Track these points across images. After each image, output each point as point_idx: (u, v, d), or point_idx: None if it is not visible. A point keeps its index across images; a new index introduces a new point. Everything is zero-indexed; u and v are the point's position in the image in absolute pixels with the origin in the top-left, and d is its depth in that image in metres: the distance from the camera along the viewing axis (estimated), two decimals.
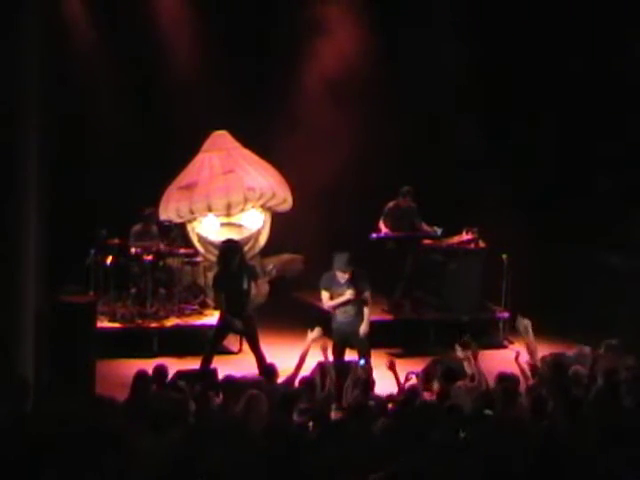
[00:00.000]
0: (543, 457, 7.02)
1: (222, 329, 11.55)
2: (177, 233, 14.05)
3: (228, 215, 14.46)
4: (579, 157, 14.93)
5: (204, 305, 13.90)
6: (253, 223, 14.65)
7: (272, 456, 6.96)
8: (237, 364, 11.98)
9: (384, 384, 10.11)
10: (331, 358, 10.64)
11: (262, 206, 14.63)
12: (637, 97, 14.38)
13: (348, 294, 11.21)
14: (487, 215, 14.42)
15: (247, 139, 14.76)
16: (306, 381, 9.60)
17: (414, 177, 14.33)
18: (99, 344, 11.29)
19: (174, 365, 11.42)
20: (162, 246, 13.68)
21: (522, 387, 9.28)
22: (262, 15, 15.03)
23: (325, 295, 11.30)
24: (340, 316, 11.27)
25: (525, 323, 10.22)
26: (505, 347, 13.64)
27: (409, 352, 13.11)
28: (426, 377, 10.94)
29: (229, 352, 12.84)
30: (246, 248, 13.49)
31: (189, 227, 14.53)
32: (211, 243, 14.32)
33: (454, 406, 8.21)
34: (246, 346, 11.87)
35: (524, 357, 10.04)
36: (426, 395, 9.80)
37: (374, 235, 13.93)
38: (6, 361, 9.40)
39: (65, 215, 13.06)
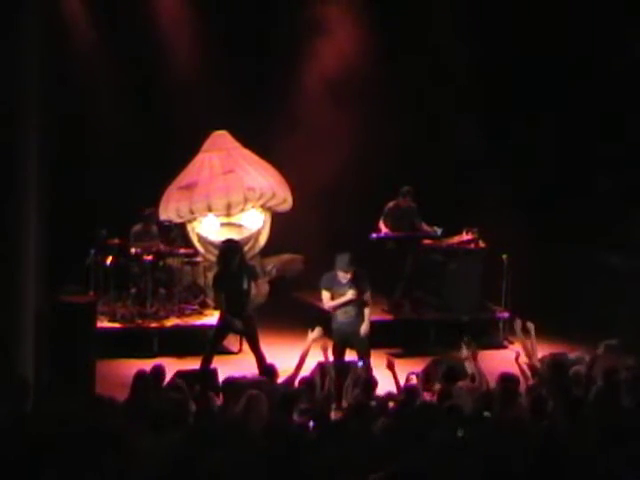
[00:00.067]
0: (543, 457, 7.02)
1: (222, 329, 11.54)
2: (177, 233, 14.05)
3: (228, 215, 14.46)
4: (579, 157, 14.94)
5: (204, 305, 13.90)
6: (253, 223, 14.66)
7: (272, 456, 6.96)
8: (237, 364, 11.97)
9: (384, 384, 10.09)
10: (331, 358, 10.64)
11: (262, 206, 14.64)
12: (637, 97, 14.39)
13: (350, 294, 11.19)
14: (487, 215, 14.42)
15: (247, 139, 14.76)
16: (306, 381, 9.60)
17: (414, 177, 14.33)
18: (99, 344, 11.29)
19: (174, 365, 11.44)
20: (162, 246, 13.68)
21: (522, 387, 9.28)
22: (262, 15, 15.03)
23: (326, 295, 11.28)
24: (340, 316, 11.25)
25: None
26: (505, 347, 13.65)
27: (409, 352, 13.11)
28: (426, 377, 10.96)
29: (229, 352, 12.84)
30: (246, 248, 13.49)
31: (189, 227, 14.53)
32: (211, 243, 14.32)
33: (454, 406, 8.21)
34: (246, 346, 11.86)
35: (524, 357, 10.04)
36: (426, 395, 9.81)
37: (374, 235, 13.93)
38: (6, 361, 9.40)
39: (65, 215, 13.06)
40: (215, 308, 12.78)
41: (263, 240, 14.76)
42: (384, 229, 14.01)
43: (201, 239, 14.47)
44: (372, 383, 9.56)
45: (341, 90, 15.10)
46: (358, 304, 11.24)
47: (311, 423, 8.04)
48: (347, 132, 14.88)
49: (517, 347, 10.35)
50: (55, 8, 13.64)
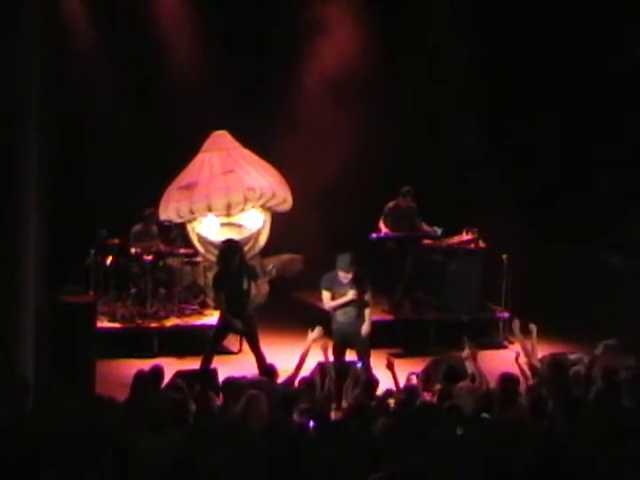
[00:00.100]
0: (543, 457, 7.02)
1: (222, 329, 11.54)
2: (177, 233, 14.05)
3: (228, 215, 14.46)
4: (579, 157, 14.94)
5: (204, 305, 13.90)
6: (253, 223, 14.66)
7: (272, 456, 6.96)
8: (237, 364, 11.98)
9: (383, 384, 10.08)
10: (331, 358, 10.63)
11: (262, 206, 14.63)
12: (637, 97, 14.38)
13: (351, 294, 11.17)
14: (487, 215, 14.42)
15: (247, 139, 14.76)
16: (306, 381, 9.60)
17: (414, 177, 14.33)
18: (99, 344, 11.29)
19: (174, 365, 11.44)
20: (162, 246, 13.68)
21: (522, 387, 9.28)
22: (262, 15, 15.03)
23: (326, 295, 11.26)
24: (341, 317, 11.24)
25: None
26: (505, 347, 13.65)
27: (409, 352, 13.10)
28: (426, 377, 10.96)
29: (229, 352, 12.84)
30: (246, 248, 13.49)
31: (189, 227, 14.53)
32: (211, 243, 14.32)
33: (454, 406, 8.21)
34: (246, 346, 11.86)
35: (524, 357, 10.04)
36: (426, 395, 9.80)
37: (374, 235, 13.93)
38: (6, 361, 9.41)
39: (65, 215, 13.06)
40: (215, 308, 12.78)
41: (263, 240, 14.75)
42: (384, 229, 14.01)
43: (201, 239, 14.47)
44: (373, 383, 9.57)
45: (341, 90, 15.11)
46: (358, 304, 11.23)
47: (311, 423, 8.04)
48: (347, 132, 14.88)
49: (517, 347, 10.34)
50: (55, 8, 13.64)
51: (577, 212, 14.57)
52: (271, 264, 14.90)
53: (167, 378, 9.57)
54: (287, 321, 13.52)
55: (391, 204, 14.08)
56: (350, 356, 11.32)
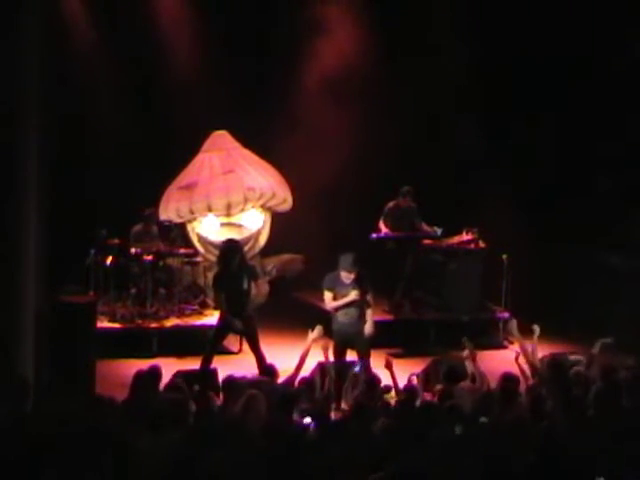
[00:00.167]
0: (543, 457, 7.02)
1: (222, 329, 11.54)
2: (177, 233, 14.05)
3: (228, 215, 14.46)
4: (579, 157, 14.93)
5: (204, 305, 13.90)
6: (253, 223, 14.66)
7: (272, 456, 6.96)
8: (237, 364, 11.97)
9: (382, 384, 10.10)
10: (332, 358, 10.63)
11: (262, 206, 14.64)
12: (637, 97, 14.38)
13: (353, 295, 11.14)
14: (487, 215, 14.42)
15: (247, 139, 14.76)
16: (306, 381, 9.59)
17: (414, 177, 14.33)
18: (99, 344, 11.29)
19: (174, 365, 11.45)
20: (162, 246, 13.68)
21: (522, 387, 9.28)
22: (262, 15, 15.03)
23: (328, 295, 11.22)
24: (342, 317, 11.19)
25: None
26: (505, 347, 13.64)
27: (409, 352, 13.11)
28: (426, 377, 10.95)
29: (229, 352, 12.84)
30: (246, 248, 13.48)
31: (189, 227, 14.53)
32: (211, 243, 14.32)
33: (454, 406, 8.21)
34: (246, 346, 11.86)
35: (523, 357, 10.04)
36: (426, 396, 9.80)
37: (374, 235, 13.93)
38: (6, 361, 9.40)
39: (65, 215, 13.06)
40: (215, 308, 12.78)
41: (263, 240, 14.76)
42: (384, 229, 14.01)
43: (201, 239, 14.47)
44: (376, 381, 9.56)
45: (341, 90, 15.10)
46: (360, 305, 11.20)
47: (308, 420, 8.04)
48: (347, 132, 14.88)
49: (517, 347, 10.34)
50: (55, 8, 13.63)
51: (577, 212, 14.56)
52: (271, 264, 14.90)
53: (167, 378, 9.58)
54: (287, 321, 13.52)
55: (391, 204, 14.09)
56: (350, 356, 11.32)
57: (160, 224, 14.02)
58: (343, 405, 10.36)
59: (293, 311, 14.07)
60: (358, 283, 11.13)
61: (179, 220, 14.31)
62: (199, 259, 14.24)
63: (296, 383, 9.66)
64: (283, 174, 14.73)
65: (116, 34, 14.67)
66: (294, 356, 10.11)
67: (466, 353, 9.96)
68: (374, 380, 9.63)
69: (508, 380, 8.96)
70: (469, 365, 9.86)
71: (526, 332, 10.15)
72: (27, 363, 9.70)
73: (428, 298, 14.22)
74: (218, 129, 14.62)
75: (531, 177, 15.34)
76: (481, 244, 14.10)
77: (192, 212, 14.35)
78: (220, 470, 6.80)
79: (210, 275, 13.34)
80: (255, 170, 14.56)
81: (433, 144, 15.37)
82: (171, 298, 13.65)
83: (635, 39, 14.53)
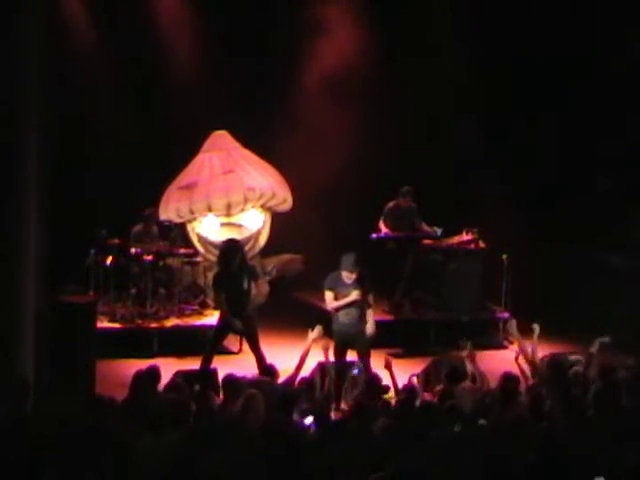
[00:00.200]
0: (543, 457, 7.02)
1: (222, 329, 11.53)
2: (177, 233, 14.05)
3: (228, 215, 14.46)
4: (579, 157, 14.93)
5: (204, 305, 13.90)
6: (253, 223, 14.66)
7: (272, 456, 6.96)
8: (237, 364, 11.96)
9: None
10: (332, 358, 10.63)
11: (262, 206, 14.64)
12: (637, 97, 14.38)
13: (354, 295, 11.13)
14: (487, 215, 14.42)
15: (247, 139, 14.76)
16: (306, 381, 9.59)
17: (414, 177, 14.33)
18: (99, 344, 11.29)
19: (174, 365, 11.45)
20: (162, 246, 13.68)
21: (522, 387, 9.28)
22: (262, 15, 15.03)
23: (329, 295, 11.20)
24: (343, 317, 11.17)
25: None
26: (505, 347, 13.64)
27: (409, 352, 13.11)
28: (426, 377, 10.96)
29: (229, 352, 12.84)
30: (246, 248, 13.46)
31: (189, 227, 14.53)
32: (211, 243, 14.32)
33: (454, 406, 8.21)
34: (246, 346, 11.86)
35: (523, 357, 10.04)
36: (426, 396, 9.80)
37: (374, 235, 13.93)
38: (6, 361, 9.40)
39: (65, 215, 13.06)
40: (215, 308, 12.78)
41: (263, 240, 14.76)
42: (384, 229, 14.01)
43: (201, 239, 14.47)
44: (376, 381, 9.55)
45: (341, 90, 15.10)
46: (361, 305, 11.18)
47: (312, 423, 8.04)
48: (347, 132, 14.88)
49: (517, 347, 10.34)
50: (55, 8, 13.63)
51: (577, 212, 14.56)
52: (271, 264, 14.90)
53: (167, 378, 9.58)
54: (287, 321, 13.52)
55: (391, 204, 14.09)
56: (350, 356, 11.32)
57: (160, 224, 14.02)
58: (343, 405, 10.38)
59: (293, 311, 14.07)
60: (359, 283, 11.12)
61: (179, 220, 14.31)
62: (199, 259, 14.24)
63: (296, 383, 9.66)
64: (283, 174, 14.73)
65: (116, 34, 14.67)
66: (294, 356, 10.10)
67: (465, 353, 9.96)
68: (374, 380, 9.62)
69: (508, 380, 8.96)
70: (469, 365, 9.87)
71: (526, 332, 10.16)
72: (27, 363, 9.70)
73: (428, 298, 14.23)
74: (218, 129, 14.62)
75: (531, 177, 15.34)
76: (481, 244, 14.10)
77: (192, 212, 14.35)
78: (220, 470, 6.80)
79: (210, 275, 13.34)
80: (255, 170, 14.56)
81: (433, 144, 15.38)
82: (171, 298, 13.65)
83: (635, 39, 14.53)
